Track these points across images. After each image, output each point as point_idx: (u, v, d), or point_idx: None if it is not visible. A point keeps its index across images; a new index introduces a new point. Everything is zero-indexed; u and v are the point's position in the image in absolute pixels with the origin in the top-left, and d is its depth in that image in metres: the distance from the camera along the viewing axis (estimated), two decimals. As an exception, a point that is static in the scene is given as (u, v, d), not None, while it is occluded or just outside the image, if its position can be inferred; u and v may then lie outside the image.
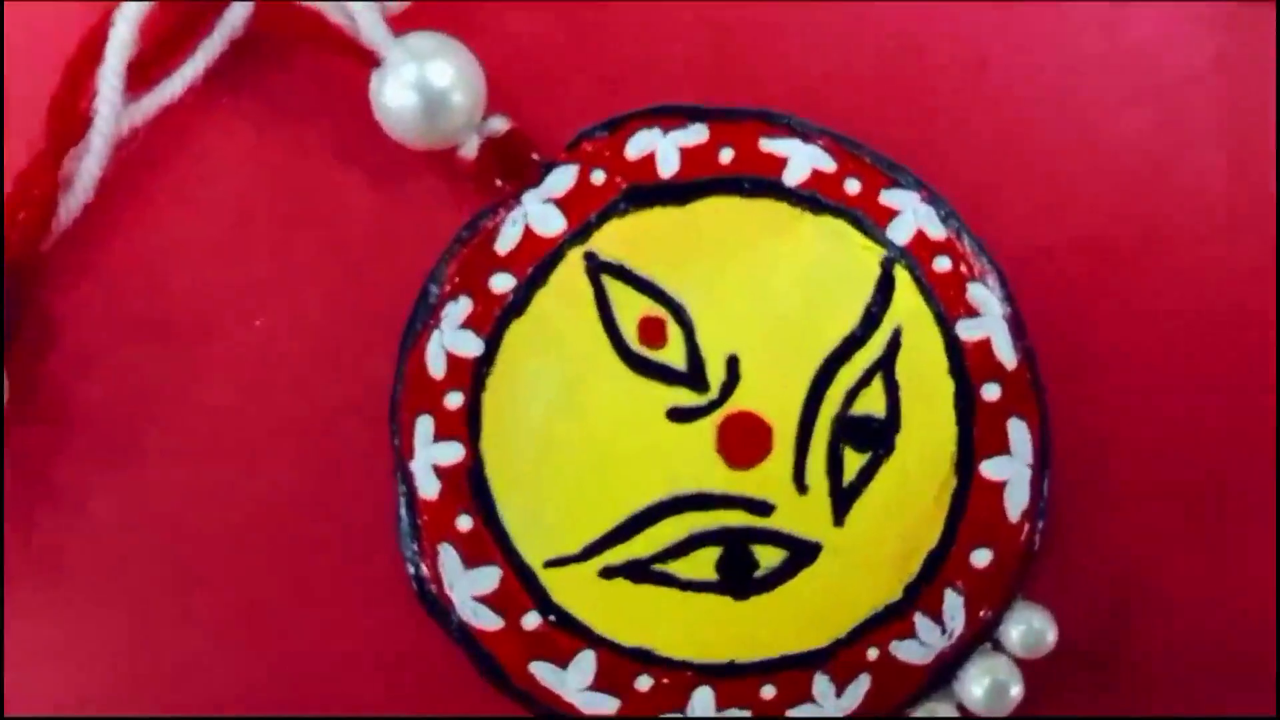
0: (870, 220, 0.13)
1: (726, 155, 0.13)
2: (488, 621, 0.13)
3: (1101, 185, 0.13)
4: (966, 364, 0.13)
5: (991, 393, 0.13)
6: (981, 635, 0.13)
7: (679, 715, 0.13)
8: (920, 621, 0.13)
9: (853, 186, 0.13)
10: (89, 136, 0.13)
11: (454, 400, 0.13)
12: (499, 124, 0.13)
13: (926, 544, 0.13)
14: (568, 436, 0.13)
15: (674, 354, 0.13)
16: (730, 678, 0.13)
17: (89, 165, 0.13)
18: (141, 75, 0.13)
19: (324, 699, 0.13)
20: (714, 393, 0.13)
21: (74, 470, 0.13)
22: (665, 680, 0.13)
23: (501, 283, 0.13)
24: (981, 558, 0.13)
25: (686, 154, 0.13)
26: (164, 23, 0.13)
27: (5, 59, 0.14)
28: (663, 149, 0.13)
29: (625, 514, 0.13)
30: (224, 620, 0.13)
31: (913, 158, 0.13)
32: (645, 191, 0.13)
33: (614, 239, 0.13)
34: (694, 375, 0.13)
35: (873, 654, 0.13)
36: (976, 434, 0.13)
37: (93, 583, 0.13)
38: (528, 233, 0.13)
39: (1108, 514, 0.13)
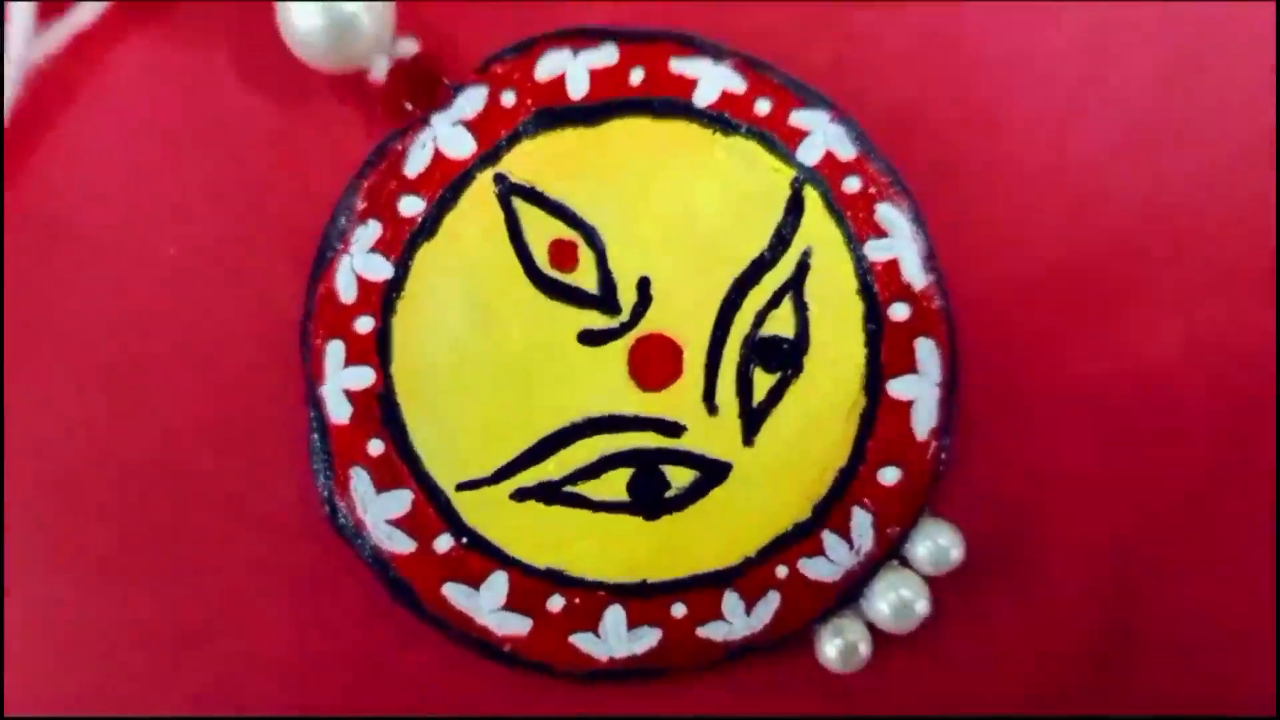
0: (780, 141, 0.13)
1: (637, 76, 0.13)
2: (401, 545, 0.13)
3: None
4: (875, 284, 0.13)
5: (900, 313, 0.13)
6: (889, 553, 0.13)
7: (590, 634, 0.13)
8: (829, 539, 0.13)
9: (763, 107, 0.13)
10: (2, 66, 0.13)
11: (364, 325, 0.13)
12: (408, 46, 0.13)
13: (835, 463, 0.13)
14: (479, 360, 0.13)
15: (585, 277, 0.13)
16: (641, 597, 0.13)
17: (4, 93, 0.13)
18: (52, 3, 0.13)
19: (235, 630, 0.13)
20: (625, 315, 0.13)
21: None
22: (577, 600, 0.13)
23: (411, 206, 0.13)
24: (889, 476, 0.13)
25: (596, 75, 0.13)
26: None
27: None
28: (572, 70, 0.13)
29: (536, 436, 0.13)
30: (122, 552, 0.13)
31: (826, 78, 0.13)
32: (555, 113, 0.13)
33: (524, 161, 0.13)
34: (605, 298, 0.13)
35: (782, 572, 0.13)
36: (885, 354, 0.13)
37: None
38: (437, 155, 0.13)
39: (1017, 433, 0.13)
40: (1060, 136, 0.13)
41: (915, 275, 0.13)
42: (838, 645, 0.13)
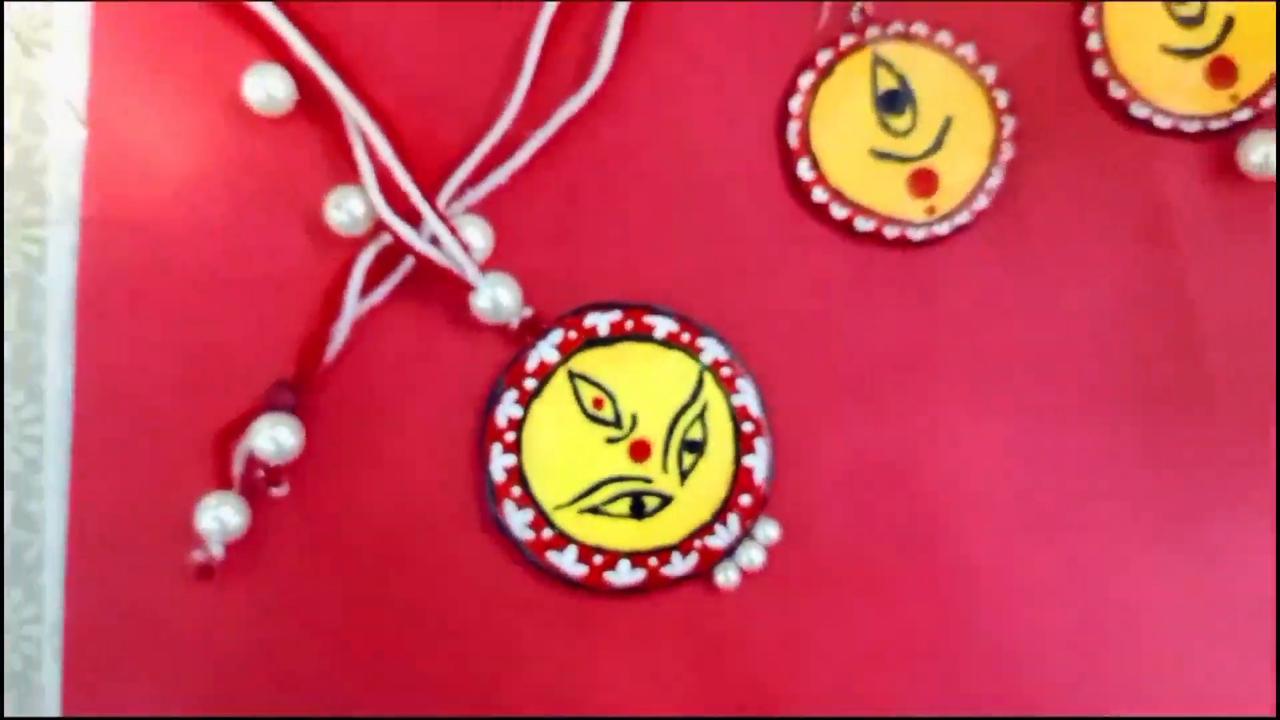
0: (693, 350, 0.29)
1: (629, 324, 0.29)
2: (527, 536, 0.28)
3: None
4: (737, 415, 0.29)
5: (747, 428, 0.29)
6: (747, 533, 0.29)
7: (613, 572, 0.28)
8: (719, 528, 0.28)
9: (685, 336, 0.29)
10: (341, 319, 0.28)
11: (509, 436, 0.28)
12: (527, 312, 0.29)
13: (721, 495, 0.29)
14: (560, 450, 0.29)
15: (608, 413, 0.29)
16: (636, 555, 0.28)
17: (339, 331, 0.28)
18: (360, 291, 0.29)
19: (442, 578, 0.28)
20: (626, 430, 0.29)
21: None
22: (607, 558, 0.28)
23: (529, 383, 0.29)
24: (745, 500, 0.29)
25: (611, 324, 0.29)
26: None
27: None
28: (600, 321, 0.29)
29: (587, 485, 0.28)
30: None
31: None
32: (593, 340, 0.29)
33: (581, 361, 0.29)
34: (618, 422, 0.29)
35: (698, 543, 0.28)
36: (742, 445, 0.29)
37: None
38: (541, 361, 0.29)
39: (806, 478, 0.29)
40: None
41: (755, 410, 0.29)
42: (729, 576, 0.28)
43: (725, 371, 0.29)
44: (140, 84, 0.29)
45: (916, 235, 0.29)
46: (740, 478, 0.29)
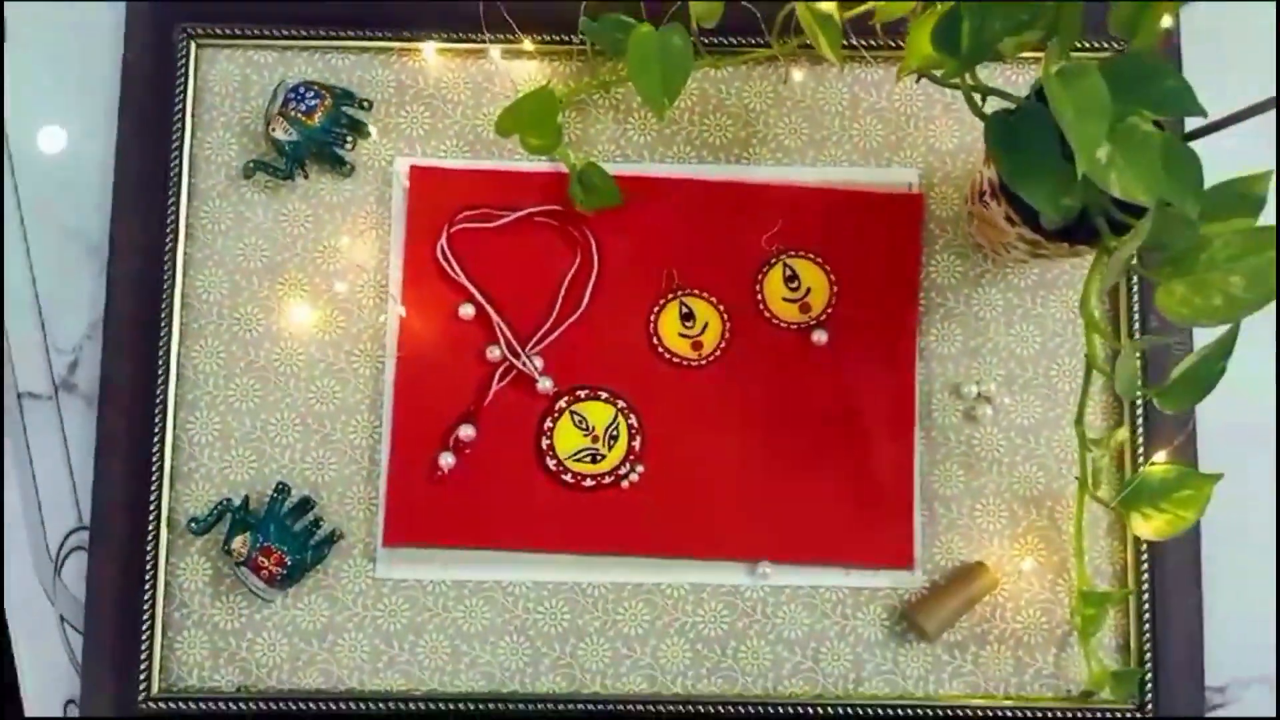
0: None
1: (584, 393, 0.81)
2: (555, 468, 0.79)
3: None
4: (629, 425, 0.80)
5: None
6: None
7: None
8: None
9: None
10: (489, 395, 0.80)
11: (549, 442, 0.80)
12: (550, 386, 0.80)
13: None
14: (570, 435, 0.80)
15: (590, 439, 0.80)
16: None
17: (489, 397, 0.80)
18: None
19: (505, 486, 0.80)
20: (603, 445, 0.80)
21: None
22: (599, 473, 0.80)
23: (558, 407, 0.80)
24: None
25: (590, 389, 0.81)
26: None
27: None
28: (582, 392, 0.81)
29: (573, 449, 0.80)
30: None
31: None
32: (579, 395, 0.81)
33: (576, 405, 0.80)
34: (595, 439, 0.80)
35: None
36: (631, 436, 0.80)
37: None
38: (552, 400, 0.80)
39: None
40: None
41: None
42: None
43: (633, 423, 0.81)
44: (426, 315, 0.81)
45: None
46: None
